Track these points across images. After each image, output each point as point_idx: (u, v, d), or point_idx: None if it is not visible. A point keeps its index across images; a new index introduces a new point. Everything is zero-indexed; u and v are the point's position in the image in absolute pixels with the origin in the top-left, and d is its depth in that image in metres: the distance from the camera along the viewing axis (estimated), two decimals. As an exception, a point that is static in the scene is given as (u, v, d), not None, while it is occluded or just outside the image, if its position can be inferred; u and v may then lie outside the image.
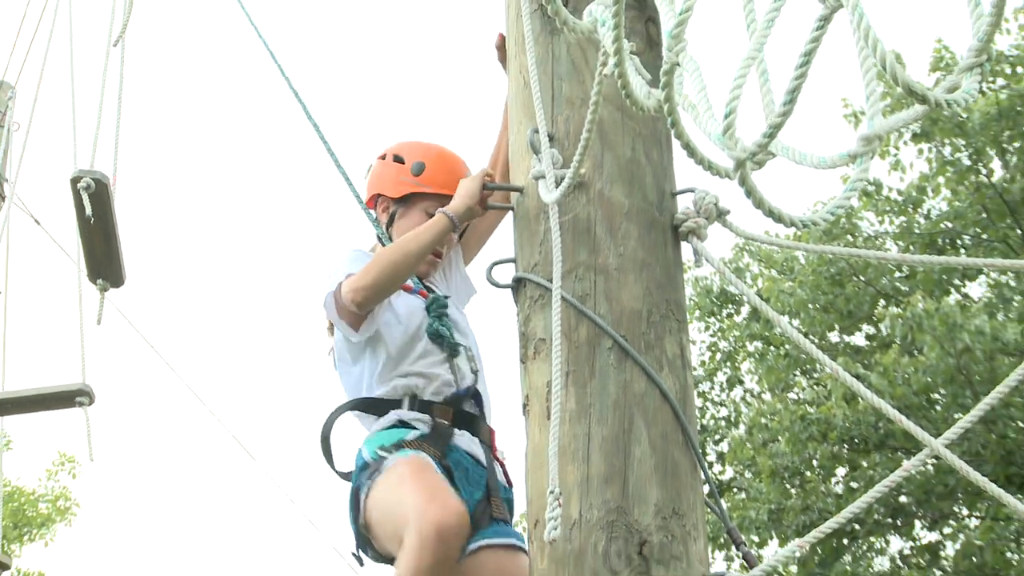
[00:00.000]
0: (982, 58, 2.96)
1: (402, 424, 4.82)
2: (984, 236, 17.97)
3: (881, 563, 17.63)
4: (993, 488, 4.33)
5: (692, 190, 4.24)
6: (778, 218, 3.29)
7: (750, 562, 3.94)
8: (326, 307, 4.99)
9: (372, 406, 4.88)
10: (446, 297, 5.19)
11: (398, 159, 5.39)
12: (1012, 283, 16.28)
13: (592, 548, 3.71)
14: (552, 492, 3.65)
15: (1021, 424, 15.40)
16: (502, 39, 4.91)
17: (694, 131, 3.31)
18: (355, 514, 4.70)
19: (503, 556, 4.70)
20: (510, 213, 4.54)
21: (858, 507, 4.24)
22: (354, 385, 5.01)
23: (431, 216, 4.94)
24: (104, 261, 8.00)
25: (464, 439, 4.88)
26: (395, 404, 4.87)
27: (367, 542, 4.74)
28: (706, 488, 4.05)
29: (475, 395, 5.01)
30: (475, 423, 4.97)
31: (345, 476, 4.98)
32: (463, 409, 4.94)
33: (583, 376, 3.92)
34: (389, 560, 4.71)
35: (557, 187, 4.02)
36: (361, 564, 4.87)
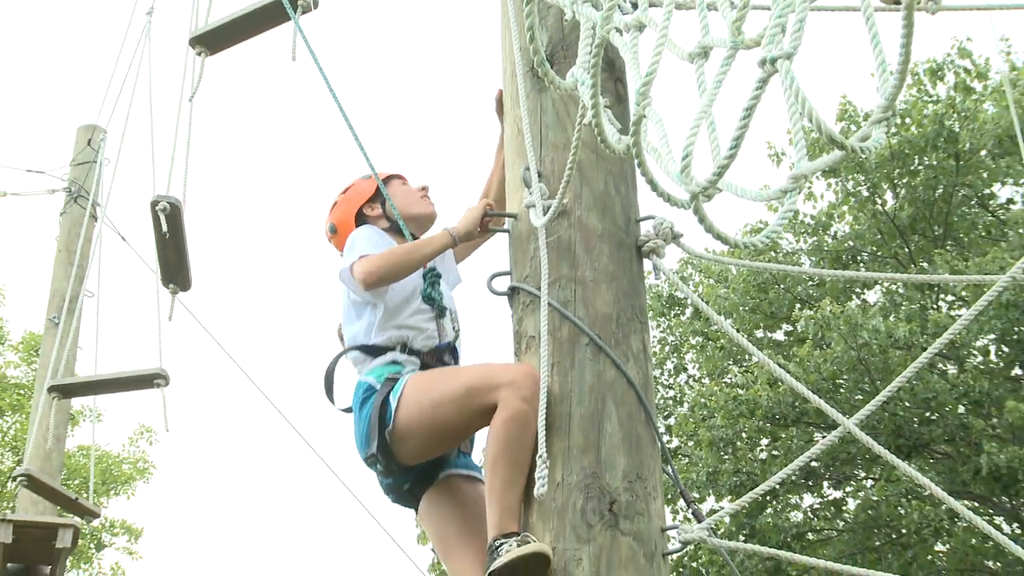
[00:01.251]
0: (888, 113, 2.94)
1: (395, 363, 4.72)
2: (879, 253, 18.03)
3: (796, 515, 17.63)
4: (888, 455, 4.37)
5: (652, 217, 4.25)
6: (724, 240, 3.29)
7: (698, 517, 3.94)
8: (342, 279, 4.89)
9: (370, 350, 4.76)
10: (439, 273, 5.11)
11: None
12: (901, 291, 16.33)
13: (572, 506, 3.71)
14: (541, 456, 3.67)
15: (908, 404, 15.40)
16: (500, 94, 4.89)
17: (656, 170, 3.30)
18: (382, 425, 4.45)
19: (466, 484, 4.67)
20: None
21: (785, 474, 4.25)
22: (354, 336, 4.89)
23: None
24: (176, 269, 8.00)
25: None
26: (389, 350, 4.76)
27: (390, 453, 4.50)
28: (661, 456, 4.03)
29: (453, 350, 4.93)
30: (457, 355, 4.91)
31: (345, 410, 4.89)
32: (443, 359, 4.85)
33: (565, 366, 3.93)
34: (408, 470, 4.62)
35: (544, 214, 4.04)
36: (378, 470, 4.67)
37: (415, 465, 4.61)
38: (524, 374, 4.10)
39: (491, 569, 3.72)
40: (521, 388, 4.07)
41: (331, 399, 4.99)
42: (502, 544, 3.83)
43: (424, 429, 4.38)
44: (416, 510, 4.81)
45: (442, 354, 4.87)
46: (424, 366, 4.73)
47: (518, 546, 3.74)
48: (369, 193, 5.27)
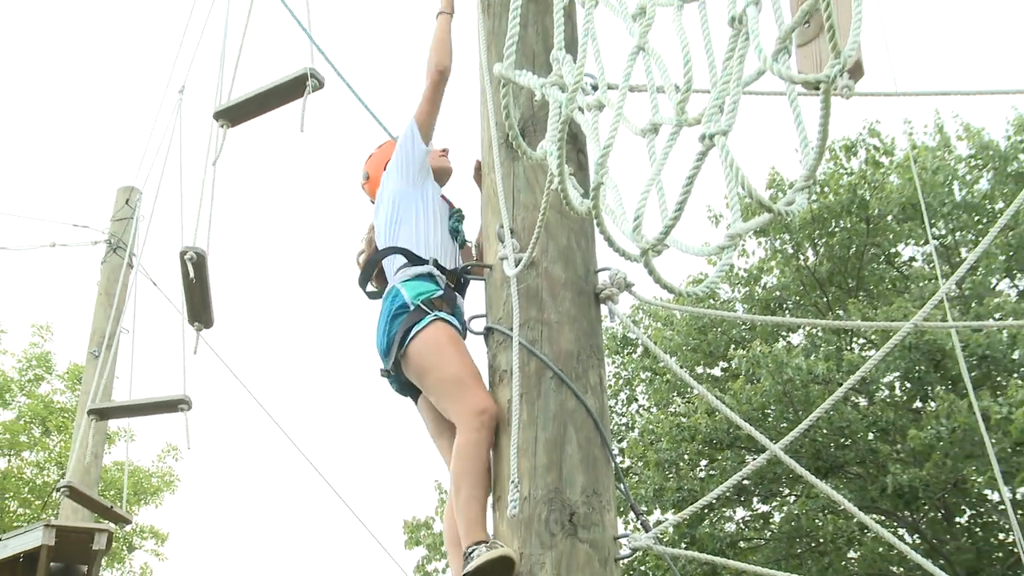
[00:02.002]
0: (809, 183, 2.95)
1: (430, 277, 4.67)
2: (801, 302, 18.05)
3: (729, 526, 17.59)
4: (808, 476, 4.37)
5: (609, 268, 4.24)
6: (669, 290, 3.29)
7: (646, 527, 3.92)
8: (407, 137, 4.97)
9: (412, 256, 4.68)
10: (463, 215, 5.09)
11: None
12: (820, 335, 16.36)
13: (537, 517, 3.70)
14: (513, 481, 3.64)
15: (825, 431, 15.40)
16: (478, 164, 4.87)
17: (612, 228, 3.29)
18: (402, 341, 4.46)
19: None
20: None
21: (721, 491, 4.25)
22: (397, 237, 4.80)
23: None
24: (200, 309, 7.96)
25: (461, 302, 4.75)
26: (426, 263, 4.69)
27: (399, 366, 4.55)
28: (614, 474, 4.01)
29: (464, 279, 4.84)
30: (464, 289, 4.82)
31: (373, 295, 4.91)
32: (460, 281, 4.79)
33: (532, 396, 3.91)
34: (410, 385, 4.64)
35: (516, 266, 4.03)
36: (389, 377, 4.70)
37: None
38: (483, 411, 4.13)
39: (465, 572, 3.71)
40: (481, 421, 4.12)
41: (365, 282, 4.95)
42: (474, 550, 3.82)
43: (419, 369, 4.43)
44: (416, 402, 4.76)
45: (459, 277, 4.82)
46: (447, 287, 4.69)
47: (487, 551, 3.74)
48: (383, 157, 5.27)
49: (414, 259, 4.74)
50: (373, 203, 5.13)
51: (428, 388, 4.50)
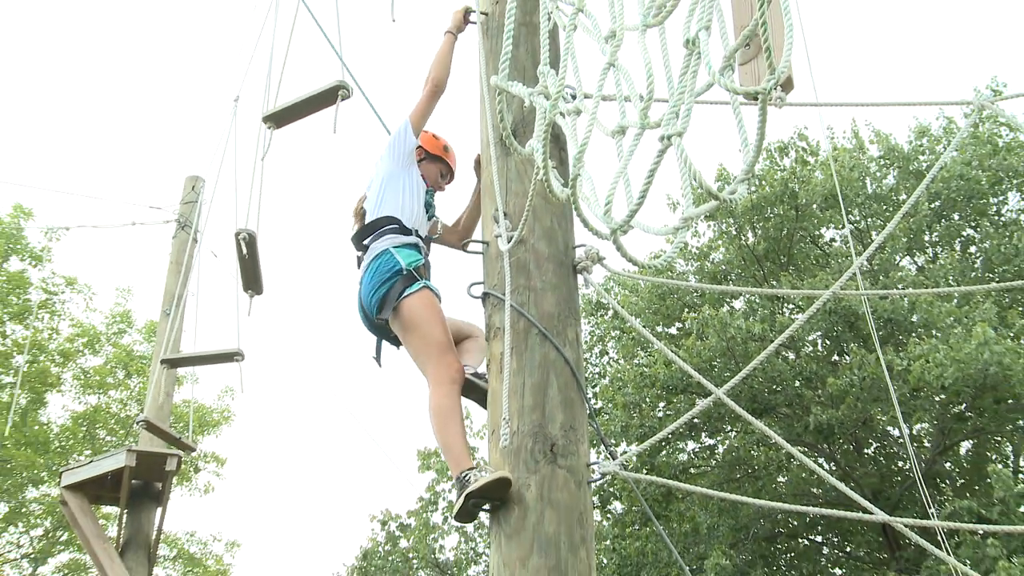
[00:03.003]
0: (749, 176, 2.93)
1: (416, 247, 4.74)
2: (742, 274, 18.02)
3: (682, 456, 17.62)
4: (746, 415, 4.36)
5: (584, 245, 4.21)
6: (634, 263, 3.29)
7: (613, 456, 3.91)
8: (400, 131, 4.99)
9: (400, 225, 4.75)
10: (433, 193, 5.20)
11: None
12: (757, 301, 16.33)
13: (524, 448, 3.69)
14: (504, 419, 3.65)
15: (760, 380, 15.42)
16: (478, 157, 4.86)
17: (587, 212, 3.27)
18: (383, 301, 4.56)
19: None
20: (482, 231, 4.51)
21: (675, 427, 4.22)
22: (389, 208, 4.86)
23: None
24: (252, 279, 7.96)
25: (430, 271, 4.80)
26: (410, 232, 4.77)
27: (381, 323, 4.65)
28: (587, 413, 4.00)
29: (429, 240, 4.97)
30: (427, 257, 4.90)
31: (361, 252, 4.88)
32: (428, 244, 4.93)
33: (521, 349, 3.88)
34: (392, 335, 4.68)
35: (508, 243, 4.01)
36: (372, 327, 4.79)
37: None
38: (454, 379, 4.26)
39: (469, 491, 3.69)
40: (452, 388, 4.24)
41: (362, 240, 4.89)
42: (467, 475, 3.81)
43: (405, 327, 4.49)
44: (379, 340, 4.86)
45: (428, 242, 4.94)
46: (426, 257, 4.79)
47: (485, 475, 3.73)
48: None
49: (403, 229, 4.77)
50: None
51: (409, 345, 4.53)
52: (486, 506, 3.75)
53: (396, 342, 4.74)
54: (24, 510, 19.33)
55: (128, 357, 20.73)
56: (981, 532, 12.02)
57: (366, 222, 4.89)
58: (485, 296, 4.23)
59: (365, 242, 4.85)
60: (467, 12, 5.06)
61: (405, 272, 4.55)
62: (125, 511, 9.73)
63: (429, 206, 5.05)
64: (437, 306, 4.53)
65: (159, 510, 9.89)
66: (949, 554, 12.00)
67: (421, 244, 4.80)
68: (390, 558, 19.10)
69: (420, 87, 5.10)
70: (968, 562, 12.12)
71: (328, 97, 6.28)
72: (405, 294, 4.50)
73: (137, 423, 10.03)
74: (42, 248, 19.86)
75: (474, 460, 4.03)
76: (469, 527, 19.22)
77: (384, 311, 4.56)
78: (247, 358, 9.21)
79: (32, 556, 19.69)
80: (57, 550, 19.70)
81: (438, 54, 5.00)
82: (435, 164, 5.27)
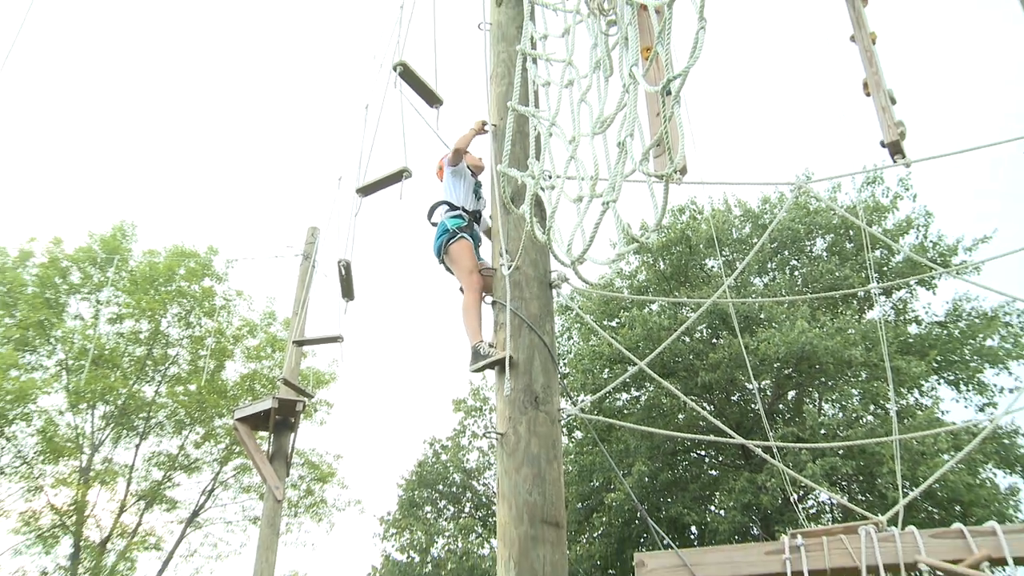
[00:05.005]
0: (659, 226, 2.90)
1: (460, 216, 4.83)
2: (657, 288, 17.91)
3: (619, 403, 17.41)
4: (656, 377, 4.31)
5: (556, 270, 4.17)
6: (587, 283, 3.24)
7: (574, 403, 3.89)
8: (447, 161, 5.02)
9: (451, 205, 4.88)
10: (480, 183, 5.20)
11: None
12: (666, 305, 16.24)
13: (518, 399, 3.64)
14: (508, 380, 3.60)
15: (667, 354, 15.33)
16: (487, 225, 4.90)
17: (558, 250, 3.24)
18: (442, 247, 4.70)
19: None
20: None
21: (613, 385, 4.17)
22: (446, 197, 4.97)
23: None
24: (347, 290, 7.88)
25: (476, 228, 4.91)
26: (458, 208, 4.88)
27: (443, 259, 4.75)
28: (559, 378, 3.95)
29: (478, 216, 4.97)
30: (479, 220, 4.97)
31: (432, 223, 4.96)
32: (476, 219, 4.94)
33: (516, 336, 3.83)
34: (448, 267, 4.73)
35: (508, 269, 3.97)
36: (441, 262, 4.81)
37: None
38: (476, 289, 4.43)
39: (491, 360, 3.86)
40: (474, 294, 4.42)
41: (431, 216, 5.01)
42: (478, 345, 4.04)
43: (452, 260, 4.65)
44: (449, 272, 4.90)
45: (477, 215, 4.97)
46: (469, 221, 4.85)
47: (492, 349, 3.94)
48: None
49: (452, 207, 4.90)
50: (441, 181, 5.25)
51: (453, 269, 4.67)
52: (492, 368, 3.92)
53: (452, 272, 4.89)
54: (213, 432, 19.60)
55: (273, 340, 20.66)
56: (798, 447, 12.08)
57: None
58: (493, 303, 4.19)
59: (432, 218, 5.02)
60: (484, 123, 5.05)
61: (450, 230, 4.73)
62: (272, 434, 9.67)
63: (477, 193, 5.09)
64: (470, 248, 4.67)
65: (292, 434, 9.82)
66: (779, 460, 11.92)
67: (464, 215, 4.87)
68: (435, 466, 19.00)
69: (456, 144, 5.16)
70: (790, 464, 12.14)
71: (396, 177, 6.23)
72: (451, 242, 4.67)
73: (279, 380, 10.00)
74: (223, 272, 20.33)
75: (481, 338, 4.18)
76: (483, 445, 19.11)
77: (442, 253, 4.74)
78: (345, 340, 9.18)
79: (218, 459, 19.96)
80: (233, 457, 19.75)
81: (462, 137, 5.02)
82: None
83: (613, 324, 18.81)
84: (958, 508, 12.55)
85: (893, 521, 3.43)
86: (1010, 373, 15.26)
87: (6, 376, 16.31)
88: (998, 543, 2.93)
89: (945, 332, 15.84)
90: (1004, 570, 2.98)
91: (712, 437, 6.50)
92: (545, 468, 3.51)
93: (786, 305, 14.81)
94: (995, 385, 15.50)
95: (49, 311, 18.17)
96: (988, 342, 15.38)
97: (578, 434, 17.25)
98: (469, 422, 19.45)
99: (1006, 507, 12.92)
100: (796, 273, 16.91)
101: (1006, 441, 14.02)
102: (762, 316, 15.05)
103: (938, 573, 2.98)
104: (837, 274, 15.38)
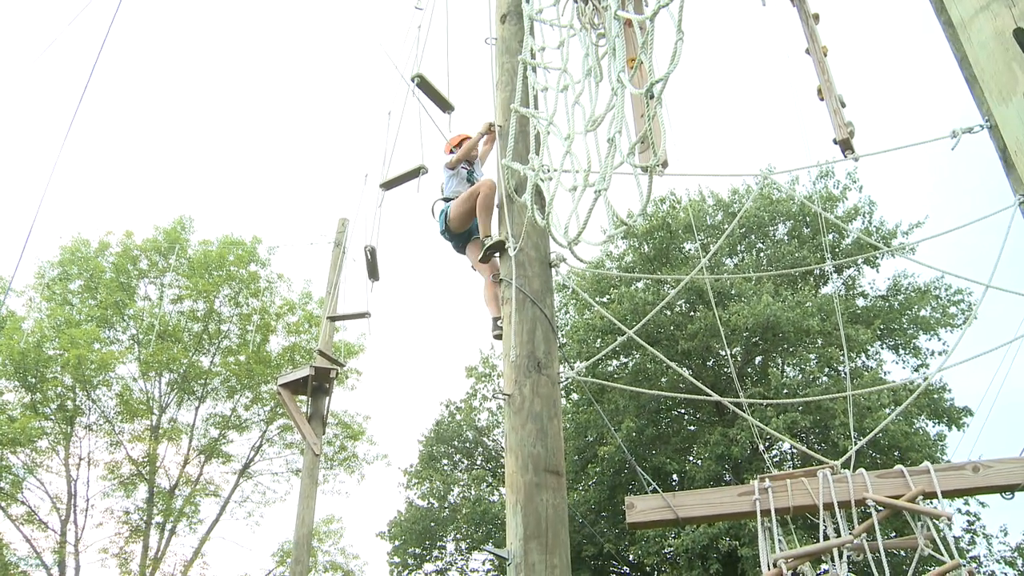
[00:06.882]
0: (643, 212, 2.87)
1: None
2: (642, 268, 17.79)
3: (609, 368, 17.35)
4: (644, 344, 4.28)
5: (555, 252, 4.13)
6: (581, 261, 3.21)
7: (571, 368, 3.87)
8: (447, 165, 5.00)
9: (446, 199, 4.92)
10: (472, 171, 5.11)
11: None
12: (649, 283, 16.15)
13: (523, 363, 3.61)
14: (512, 347, 3.58)
15: (652, 325, 15.26)
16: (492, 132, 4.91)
17: (556, 233, 3.22)
18: (445, 220, 4.71)
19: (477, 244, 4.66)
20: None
21: (604, 353, 4.14)
22: (445, 191, 4.98)
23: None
24: (372, 272, 7.82)
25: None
26: (449, 200, 4.88)
27: (448, 227, 4.73)
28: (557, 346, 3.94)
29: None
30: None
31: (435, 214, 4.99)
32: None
33: (520, 309, 3.78)
34: (458, 234, 4.70)
35: (513, 251, 3.92)
36: (447, 239, 4.80)
37: (459, 233, 4.73)
38: (491, 185, 4.39)
39: (495, 242, 3.99)
40: (487, 188, 4.40)
41: (433, 213, 5.03)
42: (488, 238, 4.19)
43: (454, 210, 4.64)
44: (465, 251, 4.83)
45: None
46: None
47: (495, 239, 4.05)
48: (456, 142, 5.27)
49: (446, 199, 4.92)
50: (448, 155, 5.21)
51: (457, 208, 4.64)
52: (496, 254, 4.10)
53: (458, 250, 4.84)
54: (260, 396, 19.81)
55: (310, 316, 20.68)
56: (764, 404, 12.10)
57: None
58: (501, 280, 4.17)
59: (433, 215, 5.04)
60: (491, 124, 5.00)
61: (448, 206, 4.78)
62: (310, 398, 9.70)
63: (471, 180, 5.00)
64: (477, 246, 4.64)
65: (327, 398, 9.83)
66: (748, 415, 11.92)
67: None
68: (450, 425, 19.09)
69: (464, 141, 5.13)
70: (758, 419, 12.15)
71: (414, 174, 6.18)
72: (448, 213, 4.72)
73: (316, 351, 9.99)
74: (266, 258, 20.39)
75: (490, 235, 4.18)
76: (492, 406, 19.16)
77: (446, 229, 4.76)
78: (372, 316, 9.14)
79: (265, 420, 20.19)
80: (277, 417, 19.92)
81: (470, 140, 4.96)
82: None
83: (604, 300, 18.77)
84: (897, 453, 12.71)
85: (846, 465, 3.45)
86: (939, 339, 15.55)
87: (91, 349, 16.81)
88: (931, 480, 3.09)
89: (887, 304, 15.87)
90: (933, 502, 3.05)
91: (691, 396, 6.50)
92: (547, 424, 3.51)
93: (753, 282, 14.77)
94: (927, 349, 15.73)
95: (123, 293, 18.62)
96: (922, 312, 15.51)
97: (575, 396, 17.26)
98: (480, 386, 19.52)
99: (935, 451, 13.23)
100: (762, 254, 16.83)
101: (935, 396, 14.22)
102: (733, 292, 15.00)
103: (883, 507, 3.05)
104: (796, 255, 15.38)
